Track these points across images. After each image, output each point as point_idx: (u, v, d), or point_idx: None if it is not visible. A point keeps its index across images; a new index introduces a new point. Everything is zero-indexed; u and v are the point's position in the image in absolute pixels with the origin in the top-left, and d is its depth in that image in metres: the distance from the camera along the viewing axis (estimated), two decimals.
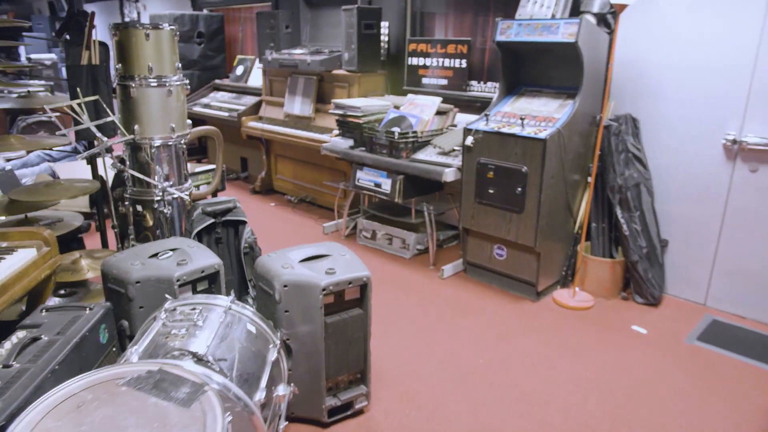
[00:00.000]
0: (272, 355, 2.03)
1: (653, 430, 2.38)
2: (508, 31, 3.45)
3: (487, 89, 4.34)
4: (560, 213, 3.46)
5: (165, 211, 2.88)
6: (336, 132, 4.53)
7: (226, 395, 1.67)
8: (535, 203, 3.26)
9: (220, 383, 1.70)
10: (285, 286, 2.15)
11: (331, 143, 4.42)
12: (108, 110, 2.71)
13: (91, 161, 2.83)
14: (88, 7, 9.74)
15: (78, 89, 2.64)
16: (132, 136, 2.79)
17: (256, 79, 5.99)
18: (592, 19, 3.33)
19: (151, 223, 2.97)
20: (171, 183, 2.94)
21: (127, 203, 2.96)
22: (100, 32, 8.76)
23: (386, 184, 3.97)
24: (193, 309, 1.97)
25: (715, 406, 2.53)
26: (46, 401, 1.30)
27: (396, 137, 3.84)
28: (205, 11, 6.85)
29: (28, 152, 4.78)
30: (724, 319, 3.30)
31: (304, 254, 2.33)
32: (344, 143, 4.33)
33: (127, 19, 8.52)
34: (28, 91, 2.76)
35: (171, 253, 2.36)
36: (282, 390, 2.06)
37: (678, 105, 3.35)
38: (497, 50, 3.63)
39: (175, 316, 1.95)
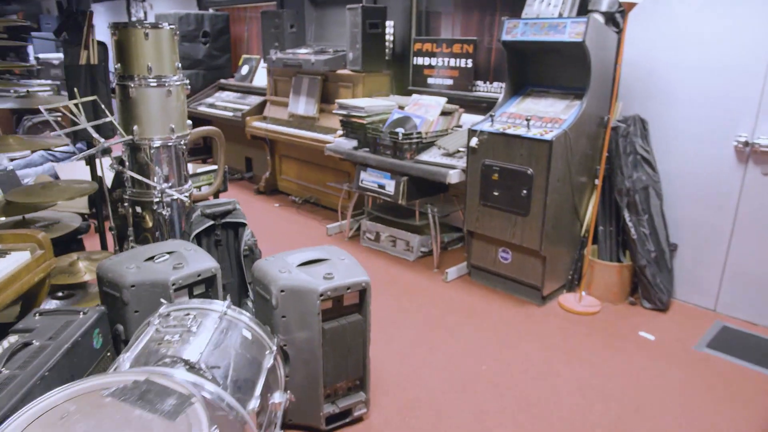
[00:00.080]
0: (268, 362, 1.99)
1: None
2: (514, 31, 3.38)
3: (493, 89, 4.27)
4: (566, 216, 3.39)
5: (164, 213, 2.84)
6: (340, 132, 4.48)
7: (219, 404, 1.63)
8: (540, 206, 3.20)
9: (213, 392, 1.65)
10: (282, 291, 2.10)
11: (335, 144, 4.37)
12: (106, 111, 2.67)
13: (90, 162, 2.80)
14: (96, 7, 9.75)
15: (75, 89, 2.60)
16: (131, 137, 2.76)
17: (261, 79, 5.95)
18: (600, 18, 3.26)
19: (150, 224, 2.94)
20: (170, 184, 2.91)
21: (126, 204, 2.94)
22: (104, 32, 8.76)
23: (390, 186, 3.92)
24: (187, 314, 1.93)
25: (725, 416, 2.46)
26: (28, 412, 1.26)
27: (400, 138, 3.79)
28: (210, 10, 6.83)
29: (33, 152, 4.77)
30: (735, 325, 3.22)
31: (302, 258, 2.28)
32: (348, 144, 4.29)
33: (134, 19, 8.52)
34: (27, 91, 2.73)
35: (167, 256, 2.32)
36: (278, 397, 2.01)
37: (688, 106, 3.27)
38: (503, 50, 3.57)
39: (168, 322, 1.91)
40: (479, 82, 4.35)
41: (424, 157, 3.78)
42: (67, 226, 2.71)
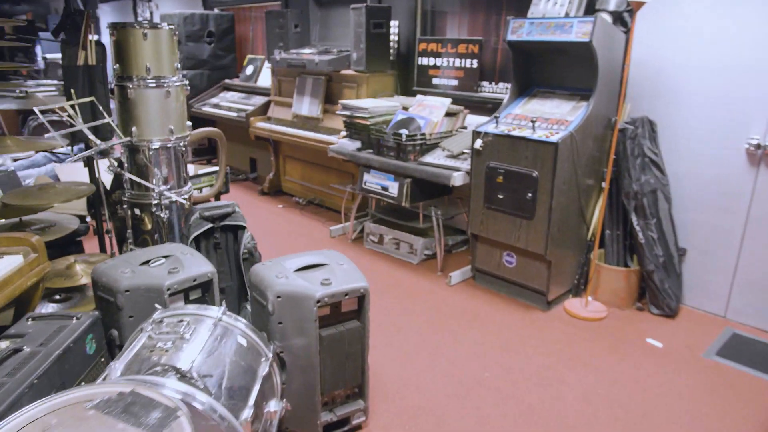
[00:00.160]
0: (263, 370, 1.94)
1: None
2: (519, 30, 3.32)
3: (499, 90, 4.21)
4: (572, 219, 3.32)
5: (162, 215, 2.81)
6: (344, 133, 4.44)
7: (210, 415, 1.59)
8: (546, 209, 3.13)
9: (205, 402, 1.61)
10: (278, 297, 2.06)
11: (339, 145, 4.32)
12: (104, 112, 2.64)
13: (89, 164, 2.77)
14: (103, 8, 9.76)
15: (73, 90, 2.57)
16: (129, 138, 2.72)
17: (265, 79, 5.92)
18: (608, 18, 3.19)
19: (149, 226, 2.91)
20: (169, 186, 2.87)
21: (125, 206, 2.90)
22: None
23: (393, 188, 3.87)
24: (181, 321, 1.89)
25: (734, 427, 2.38)
26: (8, 425, 1.22)
27: (403, 139, 3.74)
28: (216, 10, 6.80)
29: (37, 152, 4.76)
30: (746, 332, 3.14)
31: (300, 263, 2.23)
32: (351, 145, 4.24)
33: (140, 19, 8.52)
34: (26, 92, 2.70)
35: (163, 260, 2.28)
36: (273, 406, 1.97)
37: (698, 107, 3.19)
38: (509, 50, 3.50)
39: (161, 329, 1.87)
40: (485, 83, 4.29)
41: (428, 158, 3.73)
42: (65, 228, 2.68)
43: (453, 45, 4.36)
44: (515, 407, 2.51)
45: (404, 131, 3.78)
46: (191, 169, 4.24)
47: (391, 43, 4.74)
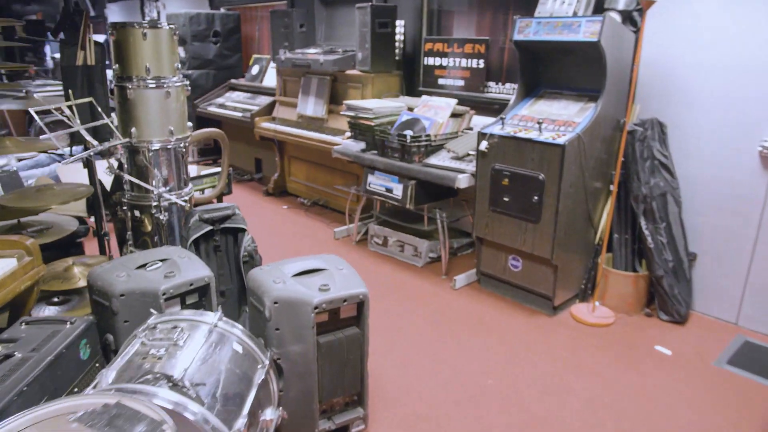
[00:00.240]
0: (259, 377, 1.90)
1: None
2: (526, 30, 3.25)
3: (506, 90, 4.15)
4: (580, 223, 3.25)
5: (161, 217, 2.77)
6: (348, 134, 4.39)
7: (202, 426, 1.55)
8: (552, 213, 3.07)
9: (197, 412, 1.57)
10: (275, 302, 2.01)
11: (343, 146, 4.28)
12: (102, 113, 2.61)
13: (88, 165, 2.74)
14: (111, 7, 9.78)
15: (70, 91, 2.54)
16: (128, 139, 2.69)
17: (271, 79, 5.89)
18: (617, 17, 3.12)
19: (149, 228, 2.87)
20: (169, 188, 2.83)
21: (125, 208, 2.87)
22: None
23: (398, 190, 3.81)
24: (175, 327, 1.85)
25: None
26: None
27: (408, 141, 3.69)
28: (222, 10, 6.78)
29: (41, 152, 4.75)
30: (758, 340, 3.05)
31: (298, 268, 2.19)
32: (356, 146, 4.19)
33: (147, 19, 8.52)
34: (26, 92, 2.67)
35: (160, 264, 2.25)
36: (270, 414, 1.92)
37: (709, 109, 3.11)
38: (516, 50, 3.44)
39: (155, 335, 1.83)
40: (491, 83, 4.22)
41: (433, 160, 3.67)
42: (63, 230, 2.65)
43: (459, 45, 4.30)
44: (519, 416, 2.45)
45: (409, 132, 3.73)
46: (195, 169, 4.21)
47: (397, 43, 4.69)
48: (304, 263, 2.22)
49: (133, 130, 2.74)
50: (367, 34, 4.39)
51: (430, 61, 4.53)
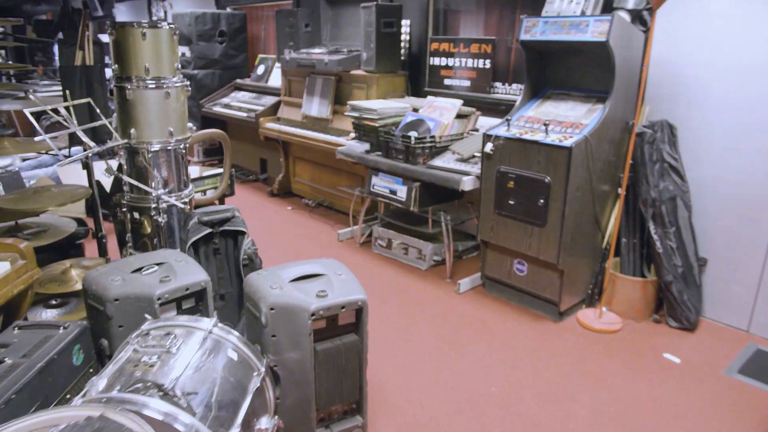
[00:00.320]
0: (254, 385, 1.85)
1: None
2: (533, 30, 3.19)
3: (512, 91, 4.08)
4: (587, 227, 3.18)
5: (160, 219, 2.74)
6: (353, 135, 4.34)
7: None
8: (558, 216, 3.00)
9: (188, 424, 1.52)
10: (272, 308, 1.97)
11: (347, 147, 4.23)
12: (100, 114, 2.58)
13: (87, 166, 2.71)
14: (119, 7, 9.79)
15: (68, 91, 2.51)
16: (126, 141, 2.66)
17: (276, 79, 5.85)
18: (626, 16, 3.05)
19: (148, 230, 2.84)
20: (168, 190, 2.80)
21: (124, 210, 2.84)
22: None
23: (402, 191, 3.76)
24: (168, 334, 1.80)
25: None
26: None
27: (412, 142, 3.63)
28: (228, 9, 6.75)
29: (40, 153, 4.74)
30: None
31: (296, 273, 2.14)
32: (360, 147, 4.14)
33: (154, 18, 8.52)
34: (26, 92, 2.65)
35: (156, 267, 2.21)
36: (265, 423, 1.88)
37: (721, 110, 3.03)
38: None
39: (147, 342, 1.79)
40: (498, 84, 4.16)
41: (438, 162, 3.61)
42: (60, 232, 2.62)
43: (465, 45, 4.23)
44: (522, 425, 2.39)
45: (413, 133, 3.67)
46: (198, 170, 4.18)
47: (402, 43, 4.63)
48: (302, 268, 2.18)
49: (132, 131, 2.70)
50: (372, 33, 4.34)
51: (436, 61, 4.47)
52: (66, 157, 2.43)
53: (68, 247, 3.06)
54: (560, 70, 3.40)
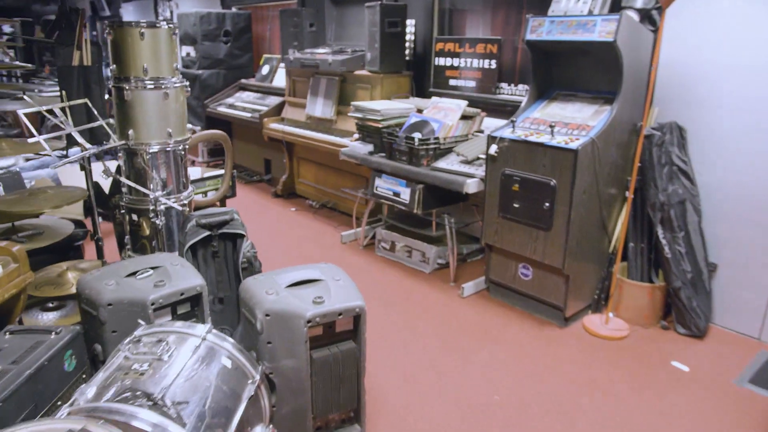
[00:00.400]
0: (249, 393, 1.80)
1: None
2: (539, 29, 3.12)
3: (518, 92, 4.02)
4: (593, 231, 3.11)
5: (158, 221, 2.70)
6: (356, 136, 4.29)
7: None
8: (564, 220, 2.94)
9: None
10: (267, 315, 1.92)
11: (350, 148, 4.18)
12: (97, 114, 2.54)
13: (84, 168, 2.68)
14: (126, 7, 9.80)
15: (64, 92, 2.48)
16: (124, 142, 2.62)
17: (281, 79, 5.82)
18: (635, 16, 2.98)
19: (147, 232, 2.80)
20: (167, 191, 2.76)
21: (123, 211, 2.81)
22: None
23: (405, 194, 3.71)
24: (160, 341, 1.76)
25: None
26: None
27: (416, 143, 3.58)
28: (233, 9, 6.73)
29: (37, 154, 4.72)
30: None
31: (293, 278, 2.09)
32: (363, 148, 4.09)
33: (160, 18, 8.51)
34: (24, 92, 2.62)
35: (151, 271, 2.17)
36: (259, 431, 1.83)
37: (732, 112, 2.96)
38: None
39: (138, 349, 1.74)
40: (503, 84, 4.09)
41: (442, 164, 3.56)
42: (57, 234, 2.59)
43: (471, 45, 4.17)
44: None
45: (417, 135, 3.62)
46: (200, 171, 4.15)
47: (407, 43, 4.58)
48: (299, 273, 2.13)
49: (130, 132, 2.66)
50: (377, 33, 4.29)
51: (441, 61, 4.41)
52: (63, 157, 2.39)
53: (67, 249, 3.03)
54: (567, 71, 3.33)
